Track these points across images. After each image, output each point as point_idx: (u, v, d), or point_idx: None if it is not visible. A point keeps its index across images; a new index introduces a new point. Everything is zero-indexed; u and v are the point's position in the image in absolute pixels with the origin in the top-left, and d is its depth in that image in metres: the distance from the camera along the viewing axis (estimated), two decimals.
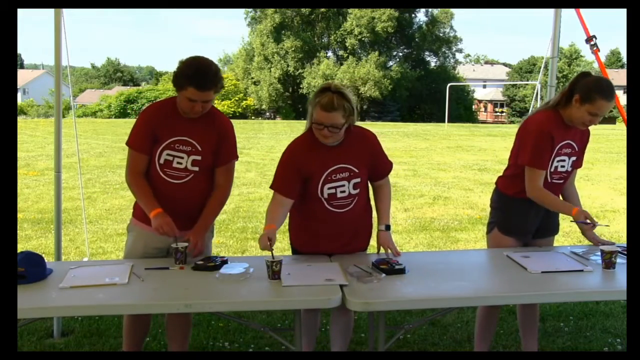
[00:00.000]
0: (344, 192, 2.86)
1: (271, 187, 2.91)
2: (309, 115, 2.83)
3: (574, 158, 3.08)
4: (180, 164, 2.87)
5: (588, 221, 2.93)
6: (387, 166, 3.02)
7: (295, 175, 2.84)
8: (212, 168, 2.97)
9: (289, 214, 2.95)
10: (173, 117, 2.87)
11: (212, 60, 2.79)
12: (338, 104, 2.70)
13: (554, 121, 2.99)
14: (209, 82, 2.72)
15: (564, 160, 3.04)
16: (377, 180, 3.01)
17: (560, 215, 3.16)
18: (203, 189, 2.97)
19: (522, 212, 3.10)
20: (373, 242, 3.07)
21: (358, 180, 2.88)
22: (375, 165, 2.96)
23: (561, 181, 3.11)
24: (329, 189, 2.84)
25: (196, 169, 2.90)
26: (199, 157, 2.89)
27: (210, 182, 2.99)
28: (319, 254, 2.96)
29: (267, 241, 2.64)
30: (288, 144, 2.94)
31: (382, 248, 2.96)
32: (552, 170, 3.04)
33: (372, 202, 3.07)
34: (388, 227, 2.99)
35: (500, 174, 3.26)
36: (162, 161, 2.87)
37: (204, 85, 2.71)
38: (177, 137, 2.86)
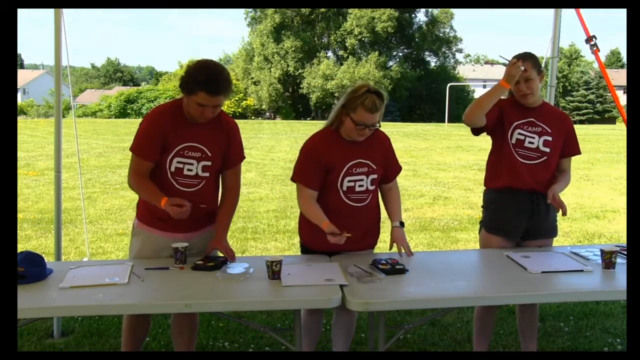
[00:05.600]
0: (362, 186, 2.91)
1: (296, 180, 2.93)
2: (336, 113, 2.87)
3: (547, 138, 3.09)
4: (191, 170, 2.82)
5: (508, 59, 3.03)
6: (396, 168, 3.11)
7: (319, 168, 2.88)
8: (221, 171, 2.96)
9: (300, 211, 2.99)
10: (181, 122, 2.79)
11: (222, 64, 2.74)
12: (380, 105, 2.79)
13: (505, 101, 3.19)
14: (221, 87, 2.67)
15: (532, 137, 3.07)
16: (387, 182, 3.07)
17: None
18: (213, 193, 2.96)
19: (502, 206, 3.13)
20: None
21: (375, 176, 2.94)
22: (388, 166, 3.02)
23: (536, 160, 3.08)
24: (348, 181, 2.89)
25: (207, 174, 2.86)
26: (209, 163, 2.85)
27: (217, 183, 2.98)
28: (330, 251, 2.94)
29: (337, 233, 2.74)
30: (306, 140, 2.97)
31: (395, 245, 2.98)
32: (514, 142, 3.08)
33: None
34: (402, 224, 3.03)
35: None
36: (173, 169, 2.81)
37: (215, 90, 2.65)
38: (186, 144, 2.79)
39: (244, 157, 3.02)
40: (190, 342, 3.07)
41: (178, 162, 2.80)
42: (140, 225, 2.95)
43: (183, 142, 2.79)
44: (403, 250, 2.95)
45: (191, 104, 2.71)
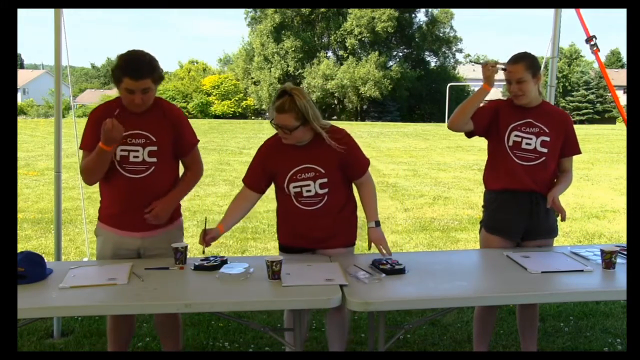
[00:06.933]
0: (309, 191, 2.89)
1: (243, 179, 3.05)
2: None
3: (544, 138, 3.07)
4: (137, 157, 2.85)
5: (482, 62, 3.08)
6: (362, 164, 2.97)
7: (261, 170, 2.97)
8: (174, 158, 2.99)
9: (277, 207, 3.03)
10: (122, 114, 2.82)
11: (146, 51, 2.81)
12: (288, 107, 2.76)
13: (504, 102, 3.20)
14: (143, 69, 2.72)
15: (529, 139, 3.06)
16: (356, 178, 2.99)
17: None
18: (167, 182, 2.96)
19: (502, 206, 3.13)
20: (360, 242, 3.08)
21: (324, 180, 2.88)
22: (348, 165, 2.92)
23: (535, 161, 3.07)
24: (294, 187, 2.90)
25: (154, 159, 2.88)
26: (154, 148, 2.87)
27: (173, 173, 3.01)
28: (299, 247, 2.99)
29: (202, 239, 2.85)
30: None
31: (373, 245, 2.96)
32: (511, 144, 3.07)
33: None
34: (378, 224, 2.97)
35: None
36: (118, 158, 2.84)
37: (137, 72, 2.71)
38: (129, 132, 2.82)
39: (198, 141, 3.08)
40: (176, 342, 3.09)
41: (122, 150, 2.83)
42: (102, 226, 2.99)
43: (125, 130, 2.79)
44: (384, 251, 2.90)
45: (122, 93, 2.79)
